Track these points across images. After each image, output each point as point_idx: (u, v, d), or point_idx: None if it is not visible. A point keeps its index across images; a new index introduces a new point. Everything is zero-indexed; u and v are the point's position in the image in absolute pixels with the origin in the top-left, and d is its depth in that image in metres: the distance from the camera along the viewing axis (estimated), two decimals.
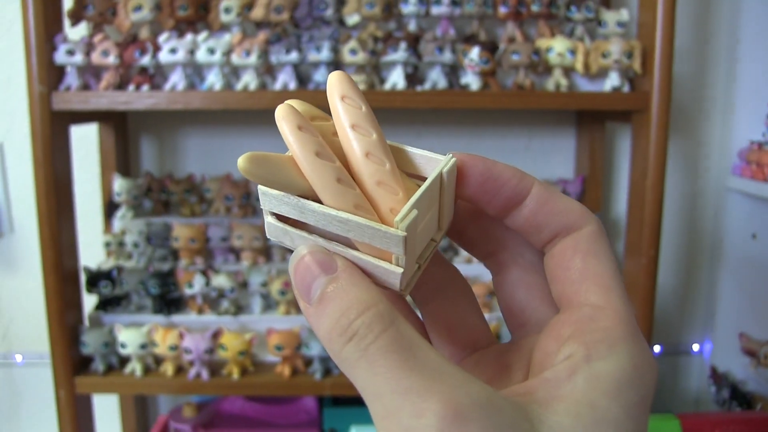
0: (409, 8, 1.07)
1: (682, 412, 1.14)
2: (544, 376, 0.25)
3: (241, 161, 0.26)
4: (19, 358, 1.41)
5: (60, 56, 1.01)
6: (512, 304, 0.32)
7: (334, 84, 0.29)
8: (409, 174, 0.31)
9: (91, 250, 1.26)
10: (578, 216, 0.29)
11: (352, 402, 1.28)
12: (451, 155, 0.29)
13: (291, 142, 0.27)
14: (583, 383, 0.24)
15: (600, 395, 0.24)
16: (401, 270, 0.26)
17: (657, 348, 1.44)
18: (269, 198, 0.28)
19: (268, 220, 0.29)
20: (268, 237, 0.29)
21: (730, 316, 1.38)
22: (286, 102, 0.28)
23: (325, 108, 0.30)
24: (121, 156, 1.30)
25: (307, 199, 0.27)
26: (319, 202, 0.27)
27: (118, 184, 1.23)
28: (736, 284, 1.36)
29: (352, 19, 1.07)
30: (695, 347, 1.47)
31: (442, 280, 0.33)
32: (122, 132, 1.31)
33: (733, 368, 1.34)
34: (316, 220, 0.27)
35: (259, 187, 0.28)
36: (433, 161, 0.30)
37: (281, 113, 0.27)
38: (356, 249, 0.27)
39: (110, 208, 1.27)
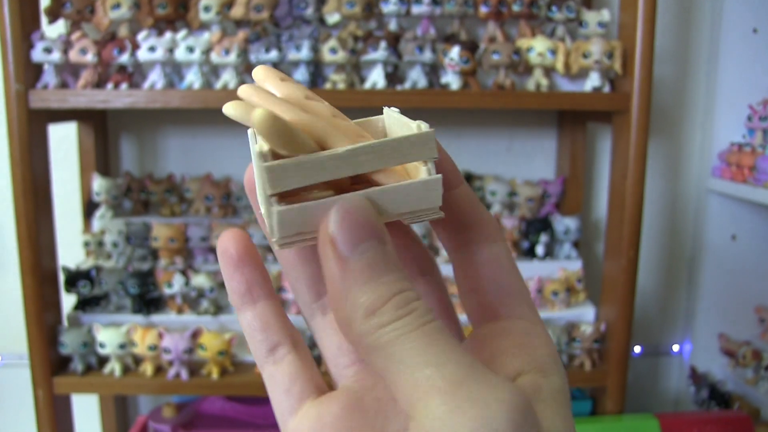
0: (389, 7, 1.07)
1: (661, 412, 1.14)
2: None
3: (261, 112, 0.23)
4: None
5: (37, 54, 1.00)
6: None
7: (264, 73, 0.28)
8: None
9: (70, 250, 1.25)
10: (495, 228, 0.29)
11: None
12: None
13: (282, 90, 0.26)
14: (550, 399, 0.25)
15: (563, 408, 0.25)
16: (440, 175, 0.26)
17: (637, 349, 1.45)
18: (282, 170, 0.24)
19: (280, 209, 0.24)
20: (279, 240, 0.25)
21: (710, 317, 1.38)
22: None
23: None
24: (100, 156, 1.29)
25: None
26: None
27: (98, 183, 1.22)
28: (715, 285, 1.37)
29: (333, 18, 1.07)
30: (675, 348, 1.47)
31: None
32: (102, 131, 1.30)
33: (713, 368, 1.35)
34: (341, 167, 0.24)
35: (266, 164, 0.24)
36: (377, 120, 0.30)
37: (259, 68, 0.27)
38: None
39: (89, 207, 1.26)
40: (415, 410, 0.22)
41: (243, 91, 0.27)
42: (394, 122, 0.29)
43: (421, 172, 0.26)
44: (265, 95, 0.26)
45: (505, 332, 0.27)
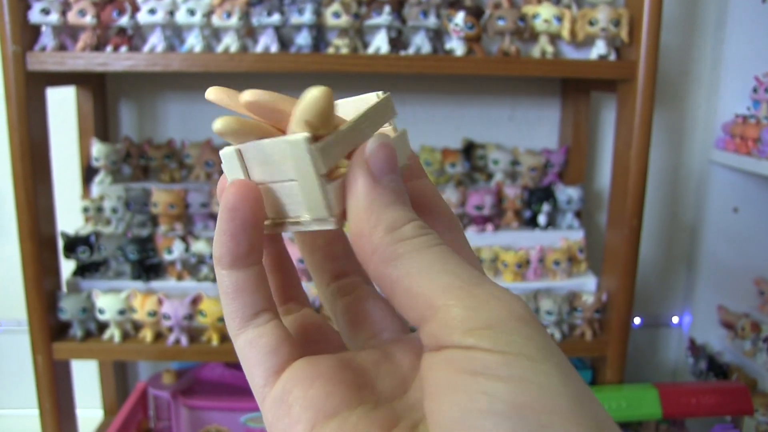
0: None
1: (660, 382, 1.15)
2: None
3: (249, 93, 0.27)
4: None
5: (34, 15, 0.98)
6: (372, 314, 0.32)
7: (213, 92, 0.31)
8: None
9: (69, 216, 1.24)
10: (454, 218, 0.31)
11: None
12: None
13: (255, 94, 0.27)
14: None
15: None
16: (404, 128, 0.30)
17: (637, 320, 1.45)
18: (330, 147, 0.26)
19: (335, 184, 0.26)
20: (336, 220, 0.26)
21: (710, 288, 1.38)
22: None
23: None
24: (99, 120, 1.28)
25: None
26: None
27: (97, 149, 1.20)
28: (716, 257, 1.37)
29: None
30: (674, 320, 1.48)
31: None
32: (101, 96, 1.28)
33: (711, 340, 1.35)
34: (367, 127, 0.28)
35: (315, 145, 0.25)
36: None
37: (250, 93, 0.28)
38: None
39: (88, 173, 1.25)
40: (437, 310, 0.23)
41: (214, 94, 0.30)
42: (349, 104, 0.31)
43: (388, 132, 0.29)
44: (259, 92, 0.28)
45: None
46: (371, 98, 0.30)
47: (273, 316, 0.28)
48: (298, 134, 0.25)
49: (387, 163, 0.26)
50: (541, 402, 0.20)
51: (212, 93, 0.30)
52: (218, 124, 0.26)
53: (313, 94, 0.25)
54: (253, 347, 0.28)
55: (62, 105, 1.29)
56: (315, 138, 0.25)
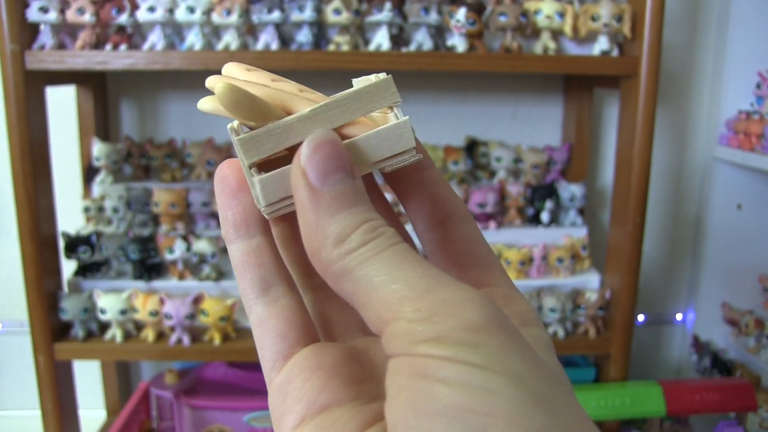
0: None
1: (663, 380, 1.14)
2: None
3: (221, 83, 0.25)
4: None
5: (33, 13, 0.97)
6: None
7: (233, 66, 0.30)
8: None
9: (70, 216, 1.24)
10: (465, 209, 0.30)
11: None
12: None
13: (248, 77, 0.28)
14: (531, 339, 0.25)
15: (542, 351, 0.26)
16: (407, 117, 0.27)
17: (640, 317, 1.45)
18: (253, 141, 0.26)
19: (260, 178, 0.26)
20: (264, 208, 0.26)
21: (714, 285, 1.38)
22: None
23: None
24: (100, 120, 1.27)
25: None
26: None
27: (97, 148, 1.20)
28: (720, 254, 1.36)
29: None
30: (678, 317, 1.47)
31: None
32: (101, 95, 1.28)
33: (715, 337, 1.34)
34: (309, 126, 0.26)
35: (238, 138, 0.25)
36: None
37: (229, 65, 0.29)
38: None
39: (89, 173, 1.25)
40: (387, 325, 0.22)
41: (210, 80, 0.28)
42: (361, 83, 0.30)
43: (389, 119, 0.27)
44: (229, 78, 0.28)
45: (490, 295, 0.28)
46: (371, 79, 0.28)
47: (286, 293, 0.28)
48: (230, 124, 0.26)
49: (326, 164, 0.24)
50: (480, 405, 0.20)
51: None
52: (218, 90, 0.25)
53: (217, 87, 0.25)
54: (262, 329, 0.28)
55: (63, 104, 1.28)
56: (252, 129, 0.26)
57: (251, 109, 0.25)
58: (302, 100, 0.27)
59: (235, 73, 0.28)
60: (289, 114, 0.26)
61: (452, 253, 0.30)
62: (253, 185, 0.26)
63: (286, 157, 0.26)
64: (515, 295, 0.29)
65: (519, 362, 0.21)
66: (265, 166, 0.26)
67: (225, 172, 0.28)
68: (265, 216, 0.27)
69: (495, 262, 0.30)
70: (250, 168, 0.26)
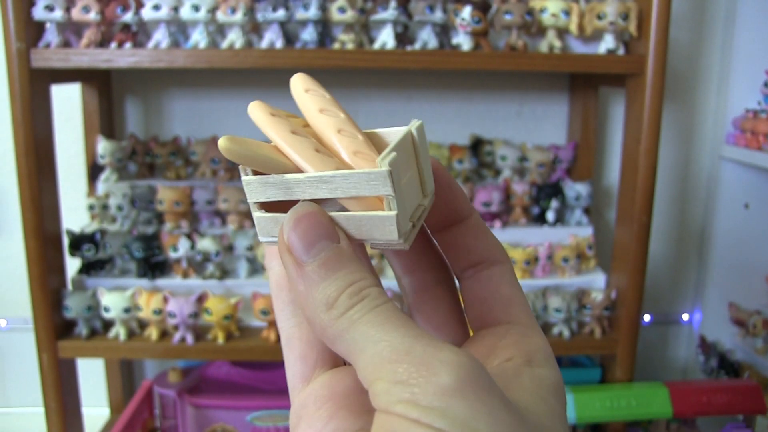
0: None
1: (670, 380, 1.14)
2: (492, 373, 0.26)
3: (222, 141, 0.26)
4: (2, 323, 1.40)
5: (38, 12, 0.97)
6: (431, 321, 0.33)
7: (297, 80, 0.30)
8: None
9: (75, 214, 1.24)
10: (502, 252, 0.32)
11: None
12: (415, 120, 0.30)
13: (266, 124, 0.28)
14: (530, 382, 0.27)
15: (546, 393, 0.27)
16: (395, 212, 0.26)
17: (647, 317, 1.44)
18: (254, 186, 0.28)
19: (257, 214, 0.29)
20: (260, 237, 0.29)
21: (720, 285, 1.37)
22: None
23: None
24: (105, 117, 1.27)
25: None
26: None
27: (102, 146, 1.20)
28: (727, 254, 1.36)
29: None
30: (685, 317, 1.46)
31: (432, 269, 0.33)
32: (106, 93, 1.28)
33: (722, 338, 1.33)
34: (303, 190, 0.27)
35: (243, 178, 0.28)
36: (402, 131, 0.30)
37: (253, 105, 0.29)
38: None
39: (94, 170, 1.25)
40: (371, 384, 0.23)
41: (250, 106, 0.29)
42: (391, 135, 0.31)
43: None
44: (262, 113, 0.29)
45: (502, 333, 0.30)
46: (400, 132, 0.30)
47: None
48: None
49: (307, 236, 0.26)
50: None
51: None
52: (219, 144, 0.27)
53: (219, 141, 0.26)
54: (288, 349, 0.30)
55: (68, 102, 1.28)
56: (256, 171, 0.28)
57: (251, 162, 0.27)
58: (317, 160, 0.27)
59: (259, 116, 0.29)
60: (298, 170, 0.28)
61: (479, 291, 0.31)
62: (254, 218, 0.29)
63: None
64: (530, 332, 0.30)
65: (488, 426, 0.22)
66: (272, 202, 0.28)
67: None
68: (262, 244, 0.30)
69: (517, 297, 0.31)
70: (254, 204, 0.28)
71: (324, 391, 0.28)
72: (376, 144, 0.31)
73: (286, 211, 0.27)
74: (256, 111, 0.29)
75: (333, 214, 0.27)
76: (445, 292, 0.33)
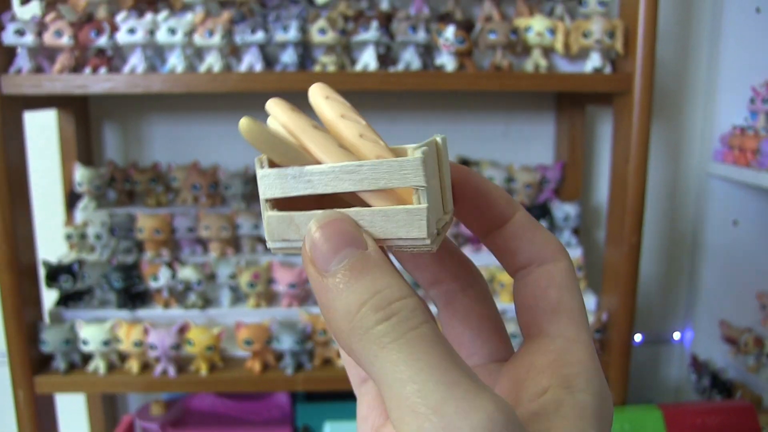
0: None
1: (663, 402, 1.12)
2: (533, 410, 0.25)
3: (243, 121, 0.25)
4: None
5: (8, 36, 0.95)
6: (463, 335, 0.32)
7: (316, 89, 0.29)
8: None
9: (53, 244, 1.20)
10: (555, 249, 0.29)
11: (326, 397, 1.24)
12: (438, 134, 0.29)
13: (287, 117, 0.27)
14: (572, 414, 0.25)
15: (587, 425, 0.25)
16: (425, 205, 0.25)
17: (638, 337, 1.42)
18: (270, 179, 0.26)
19: (269, 214, 0.27)
20: (270, 243, 0.27)
21: (711, 303, 1.35)
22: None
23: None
24: (82, 144, 1.24)
25: None
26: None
27: (80, 173, 1.17)
28: (717, 272, 1.34)
29: None
30: (676, 336, 1.45)
31: (462, 276, 0.32)
32: (83, 119, 1.25)
33: (714, 356, 1.32)
34: (326, 183, 0.25)
35: (259, 171, 0.26)
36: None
37: (272, 101, 0.27)
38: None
39: (72, 198, 1.22)
40: (399, 429, 0.22)
41: (269, 102, 0.28)
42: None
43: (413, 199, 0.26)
44: (283, 107, 0.27)
45: (542, 349, 0.28)
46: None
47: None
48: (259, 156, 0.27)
49: (330, 246, 0.24)
50: None
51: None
52: (241, 125, 0.26)
53: (240, 121, 0.25)
54: (357, 410, 0.31)
55: (44, 129, 1.25)
56: (273, 165, 0.26)
57: (270, 148, 0.26)
58: (336, 152, 0.26)
59: (280, 108, 0.28)
60: (318, 163, 0.26)
61: (526, 296, 0.29)
62: (263, 218, 0.27)
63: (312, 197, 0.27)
64: (573, 347, 0.27)
65: None
66: (285, 202, 0.27)
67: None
68: (270, 250, 0.28)
69: (565, 303, 0.29)
70: (266, 202, 0.27)
71: (374, 401, 0.30)
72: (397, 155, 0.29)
73: (299, 211, 0.26)
74: (276, 106, 0.27)
75: (356, 210, 0.25)
76: (473, 301, 0.32)
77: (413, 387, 0.21)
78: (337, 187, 0.25)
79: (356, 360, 0.23)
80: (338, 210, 0.25)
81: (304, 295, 1.12)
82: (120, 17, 0.98)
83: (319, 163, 0.26)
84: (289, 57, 0.99)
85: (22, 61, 0.97)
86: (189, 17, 0.99)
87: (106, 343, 1.05)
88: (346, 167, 0.25)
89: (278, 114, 0.27)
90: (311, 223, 0.25)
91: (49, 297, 1.12)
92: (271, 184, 0.26)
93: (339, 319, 0.23)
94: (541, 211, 1.18)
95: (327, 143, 0.26)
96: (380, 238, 0.26)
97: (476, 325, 0.31)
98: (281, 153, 0.26)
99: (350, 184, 0.25)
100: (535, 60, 1.04)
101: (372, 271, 0.23)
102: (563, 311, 0.28)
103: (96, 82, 0.96)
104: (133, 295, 1.11)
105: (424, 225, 0.25)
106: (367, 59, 1.00)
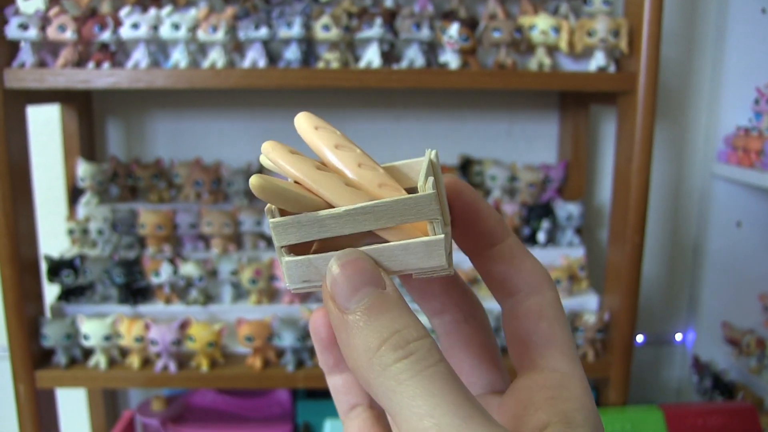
0: None
1: (664, 402, 1.12)
2: None
3: (254, 179, 0.25)
4: None
5: (12, 30, 0.94)
6: (463, 363, 0.33)
7: (303, 120, 0.30)
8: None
9: (55, 239, 1.20)
10: (542, 279, 0.30)
11: (327, 395, 1.23)
12: (429, 149, 0.30)
13: (290, 164, 0.27)
14: None
15: None
16: (442, 235, 0.26)
17: (640, 338, 1.41)
18: (284, 227, 0.27)
19: (287, 259, 0.27)
20: (290, 285, 0.28)
21: (714, 305, 1.35)
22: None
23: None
24: (85, 139, 1.24)
25: None
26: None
27: (83, 169, 1.17)
28: (719, 273, 1.34)
29: None
30: (678, 337, 1.44)
31: (464, 306, 0.33)
32: (86, 114, 1.25)
33: (716, 357, 1.31)
34: (341, 226, 0.26)
35: (271, 221, 0.27)
36: (419, 162, 0.30)
37: (268, 146, 0.28)
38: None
39: (74, 194, 1.22)
40: None
41: (264, 147, 0.29)
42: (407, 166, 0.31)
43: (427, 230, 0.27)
44: (282, 152, 0.28)
45: (538, 385, 0.28)
46: (418, 162, 0.30)
47: (365, 409, 0.32)
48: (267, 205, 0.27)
49: (350, 285, 0.25)
50: None
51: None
52: (251, 183, 0.26)
53: (250, 180, 0.25)
54: (335, 391, 0.33)
55: (47, 124, 1.25)
56: (283, 212, 0.27)
57: (284, 201, 0.26)
58: (346, 194, 0.27)
59: (278, 158, 0.28)
60: (330, 205, 0.27)
61: (517, 328, 0.30)
62: (281, 264, 0.28)
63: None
64: (569, 383, 0.28)
65: None
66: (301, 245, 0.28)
67: (317, 327, 0.31)
68: (291, 291, 0.30)
69: (557, 336, 0.29)
70: (282, 248, 0.27)
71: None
72: (395, 176, 0.30)
73: (311, 253, 0.27)
74: (275, 152, 0.28)
75: (375, 247, 0.26)
76: (475, 331, 0.32)
77: (431, 421, 0.22)
78: (354, 228, 0.26)
79: (373, 393, 0.24)
80: (358, 249, 0.26)
81: (305, 292, 1.12)
82: (123, 12, 0.98)
83: (329, 204, 0.27)
84: (292, 53, 0.99)
85: (26, 56, 0.97)
86: (192, 13, 0.98)
87: (107, 338, 1.05)
88: (362, 209, 0.26)
89: (278, 160, 0.27)
90: (332, 261, 0.26)
91: (50, 292, 1.12)
92: (285, 231, 0.27)
93: (358, 355, 0.24)
94: (543, 210, 1.18)
95: (334, 185, 0.27)
96: (400, 270, 0.27)
97: (477, 354, 0.32)
98: (293, 203, 0.26)
99: (366, 224, 0.26)
100: (539, 58, 1.04)
101: (391, 311, 0.24)
102: (555, 344, 0.29)
103: (99, 77, 0.96)
104: (135, 291, 1.11)
105: (443, 254, 0.26)
106: (371, 56, 1.00)
